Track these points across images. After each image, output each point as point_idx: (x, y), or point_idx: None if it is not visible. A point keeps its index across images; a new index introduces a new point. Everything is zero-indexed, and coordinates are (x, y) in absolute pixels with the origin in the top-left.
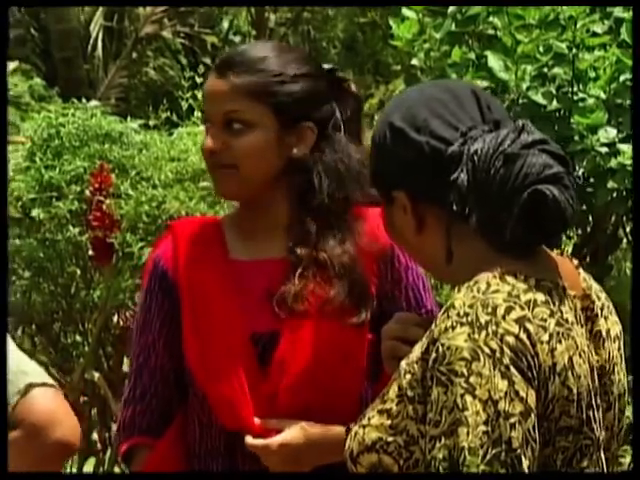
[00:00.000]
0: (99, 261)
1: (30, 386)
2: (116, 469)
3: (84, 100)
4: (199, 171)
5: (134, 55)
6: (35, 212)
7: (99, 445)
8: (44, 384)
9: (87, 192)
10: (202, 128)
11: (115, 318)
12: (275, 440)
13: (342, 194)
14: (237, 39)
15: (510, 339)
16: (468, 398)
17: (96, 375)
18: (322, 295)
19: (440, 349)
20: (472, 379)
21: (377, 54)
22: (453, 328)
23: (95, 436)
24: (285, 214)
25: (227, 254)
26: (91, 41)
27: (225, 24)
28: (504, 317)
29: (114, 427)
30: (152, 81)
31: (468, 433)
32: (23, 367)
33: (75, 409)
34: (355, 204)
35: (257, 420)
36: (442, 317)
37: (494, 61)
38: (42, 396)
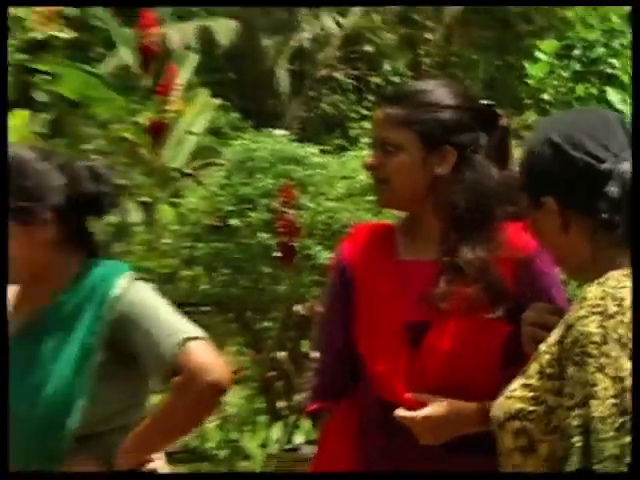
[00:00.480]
0: (284, 261)
1: (187, 339)
2: (298, 432)
3: (272, 130)
4: (366, 187)
5: (312, 93)
6: (233, 221)
7: (285, 411)
8: (197, 338)
9: (275, 204)
10: (368, 152)
11: (296, 308)
12: (420, 413)
13: (479, 209)
14: (396, 79)
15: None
16: (599, 375)
17: (281, 354)
18: (462, 295)
19: (575, 334)
20: (602, 360)
21: (512, 90)
22: (586, 317)
23: (280, 404)
24: (437, 224)
25: (395, 254)
26: (277, 82)
27: (387, 67)
28: (630, 308)
29: (295, 397)
30: (326, 114)
31: (599, 405)
32: (180, 325)
33: (264, 381)
34: (496, 218)
35: (409, 395)
36: (577, 307)
37: (613, 95)
38: (197, 347)
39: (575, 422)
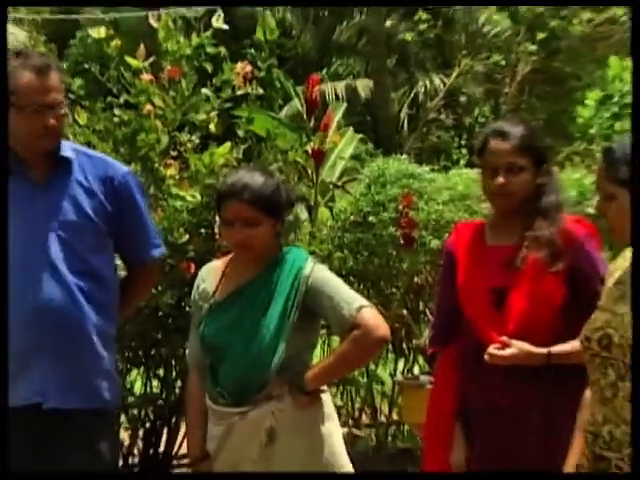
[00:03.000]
0: (406, 247)
1: (362, 306)
2: (416, 365)
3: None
4: (463, 195)
5: (424, 129)
6: (370, 218)
7: (407, 351)
8: (368, 305)
9: (400, 207)
10: (465, 170)
11: (415, 279)
12: (504, 353)
13: (554, 205)
14: (483, 121)
15: None
16: None
17: (405, 312)
18: (534, 258)
19: None
20: None
21: (564, 128)
22: None
23: (404, 346)
24: (519, 219)
25: (485, 242)
26: (400, 122)
27: (476, 111)
28: None
29: (414, 341)
30: (434, 144)
31: None
32: (354, 296)
33: (392, 330)
34: (560, 213)
35: (499, 338)
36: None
37: None
38: (370, 312)
39: None
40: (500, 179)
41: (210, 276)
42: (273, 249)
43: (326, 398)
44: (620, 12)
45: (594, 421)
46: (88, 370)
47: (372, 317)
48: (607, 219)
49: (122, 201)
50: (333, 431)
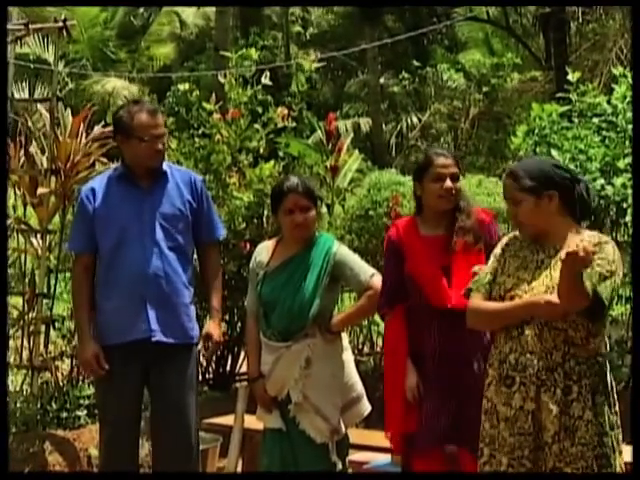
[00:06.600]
0: None
1: (373, 274)
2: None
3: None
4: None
5: (406, 152)
6: (370, 212)
7: None
8: (377, 274)
9: (390, 204)
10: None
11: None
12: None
13: (468, 206)
14: (445, 146)
15: None
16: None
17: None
18: (463, 242)
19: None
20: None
21: (501, 149)
22: (607, 242)
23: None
24: (443, 218)
25: (418, 231)
26: (391, 146)
27: (442, 140)
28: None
29: None
30: (414, 162)
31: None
32: (367, 267)
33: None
34: (473, 208)
35: (451, 302)
36: (589, 241)
37: None
38: (378, 278)
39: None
40: (448, 183)
41: (264, 251)
42: (313, 233)
43: (344, 336)
44: (538, 73)
45: (500, 352)
46: (181, 315)
47: (379, 280)
48: (515, 219)
49: (201, 198)
50: (349, 358)
